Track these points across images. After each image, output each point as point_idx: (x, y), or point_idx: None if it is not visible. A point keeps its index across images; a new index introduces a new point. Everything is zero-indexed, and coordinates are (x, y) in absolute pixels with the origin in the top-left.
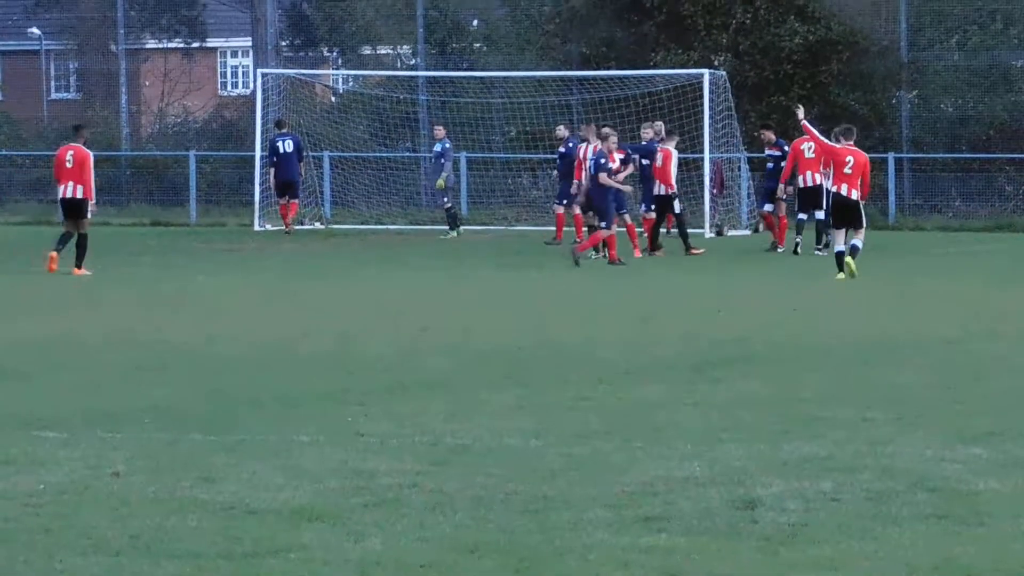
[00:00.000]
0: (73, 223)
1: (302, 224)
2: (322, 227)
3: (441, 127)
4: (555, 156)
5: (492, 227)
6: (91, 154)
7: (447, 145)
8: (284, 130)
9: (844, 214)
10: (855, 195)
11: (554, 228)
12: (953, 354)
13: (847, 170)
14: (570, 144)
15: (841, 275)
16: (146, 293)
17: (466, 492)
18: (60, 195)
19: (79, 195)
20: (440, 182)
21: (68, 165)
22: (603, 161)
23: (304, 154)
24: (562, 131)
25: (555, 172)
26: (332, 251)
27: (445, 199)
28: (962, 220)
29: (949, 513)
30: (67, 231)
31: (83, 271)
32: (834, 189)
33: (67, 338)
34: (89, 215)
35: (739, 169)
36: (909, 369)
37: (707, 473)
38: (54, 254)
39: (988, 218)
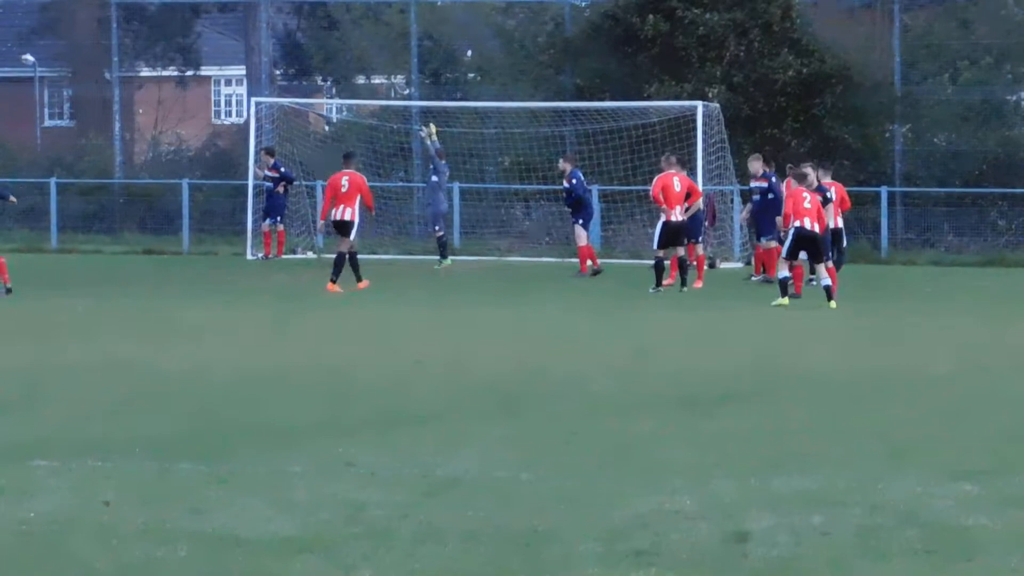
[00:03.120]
0: (340, 241)
1: (294, 253)
2: (314, 257)
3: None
4: (560, 188)
5: (484, 257)
6: (365, 178)
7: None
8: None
9: (806, 246)
10: (816, 227)
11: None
12: (944, 389)
13: (807, 204)
14: (574, 181)
15: (784, 301)
16: (138, 321)
17: (457, 524)
18: (333, 217)
19: (347, 217)
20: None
21: (343, 190)
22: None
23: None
24: (564, 164)
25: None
26: (324, 281)
27: (437, 227)
28: (954, 254)
29: (938, 549)
30: (340, 252)
31: (336, 288)
32: (797, 223)
33: (58, 366)
34: (353, 235)
35: (732, 201)
36: (900, 404)
37: (698, 507)
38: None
39: (980, 253)
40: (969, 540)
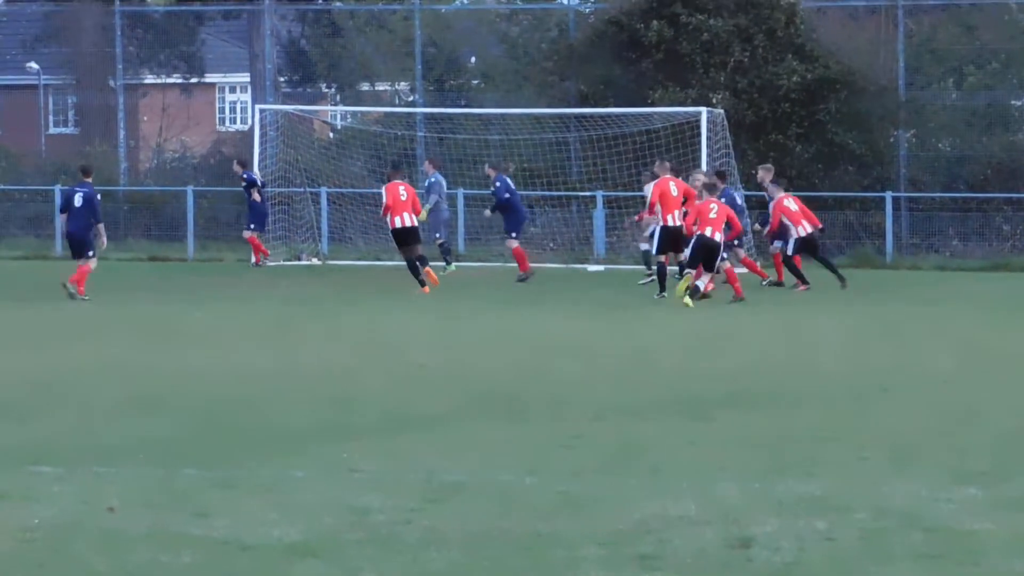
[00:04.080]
0: (409, 248)
1: (299, 260)
2: (319, 263)
3: (428, 161)
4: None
5: (489, 263)
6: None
7: (434, 180)
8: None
9: (705, 254)
10: (719, 237)
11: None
12: (949, 393)
13: (712, 215)
14: (497, 184)
15: (687, 301)
16: (143, 328)
17: (460, 529)
18: (399, 225)
19: (413, 223)
20: (423, 215)
21: (403, 198)
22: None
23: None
24: (489, 171)
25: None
26: (329, 287)
27: (437, 235)
28: (959, 259)
29: (943, 553)
30: (408, 258)
31: (427, 289)
32: (699, 232)
33: (63, 372)
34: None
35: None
36: (904, 408)
37: (702, 511)
38: (425, 289)
39: (985, 257)
40: (973, 544)
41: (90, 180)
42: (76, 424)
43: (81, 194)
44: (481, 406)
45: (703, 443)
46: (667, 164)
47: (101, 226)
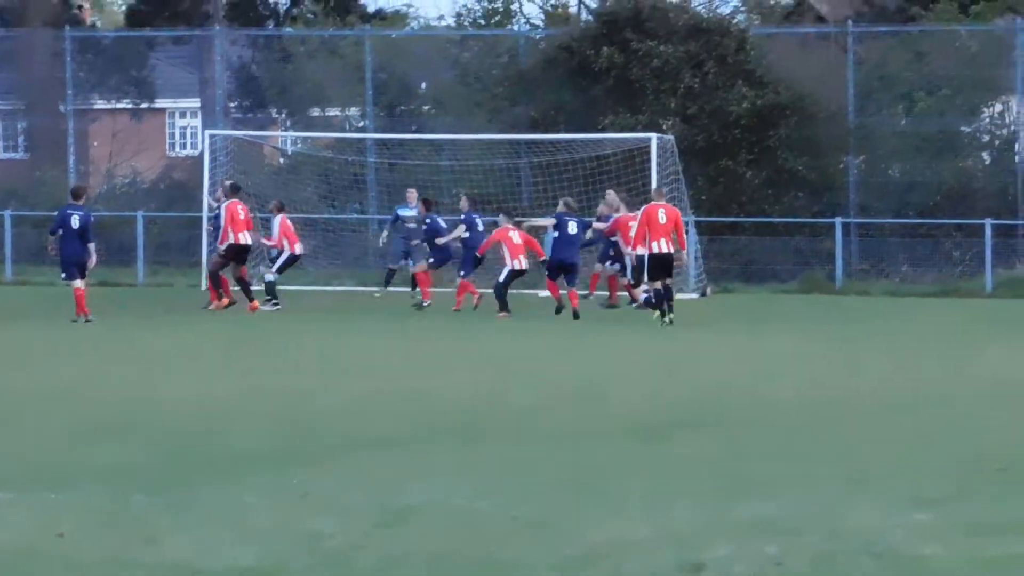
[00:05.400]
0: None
1: (250, 283)
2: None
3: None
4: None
5: (439, 289)
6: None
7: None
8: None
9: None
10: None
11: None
12: (901, 418)
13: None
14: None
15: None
16: (94, 352)
17: (415, 553)
18: (235, 241)
19: (248, 241)
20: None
21: (240, 217)
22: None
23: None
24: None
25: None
26: (280, 312)
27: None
28: (909, 285)
29: None
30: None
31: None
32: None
33: (14, 396)
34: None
35: (687, 233)
36: (857, 432)
37: (655, 536)
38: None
39: (935, 283)
40: (925, 569)
41: (82, 202)
42: (27, 449)
43: (78, 216)
44: (436, 430)
45: (657, 467)
46: (664, 190)
47: (92, 246)
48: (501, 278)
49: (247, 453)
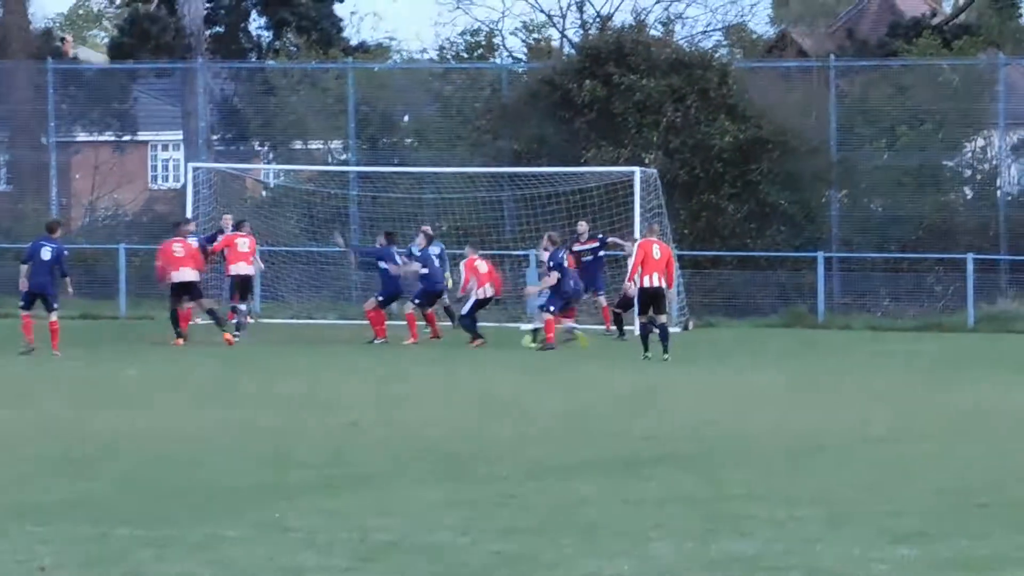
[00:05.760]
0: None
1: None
2: (251, 321)
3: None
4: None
5: (421, 323)
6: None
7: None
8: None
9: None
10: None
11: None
12: (882, 453)
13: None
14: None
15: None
16: (75, 386)
17: None
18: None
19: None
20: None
21: (177, 254)
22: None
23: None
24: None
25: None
26: (262, 345)
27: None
28: (891, 319)
29: None
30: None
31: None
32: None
33: None
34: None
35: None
36: (838, 467)
37: (636, 571)
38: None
39: (917, 317)
40: None
41: (57, 236)
42: (9, 482)
43: (50, 249)
44: (415, 464)
45: (637, 502)
46: (656, 227)
47: (68, 280)
48: (465, 309)
49: (228, 488)
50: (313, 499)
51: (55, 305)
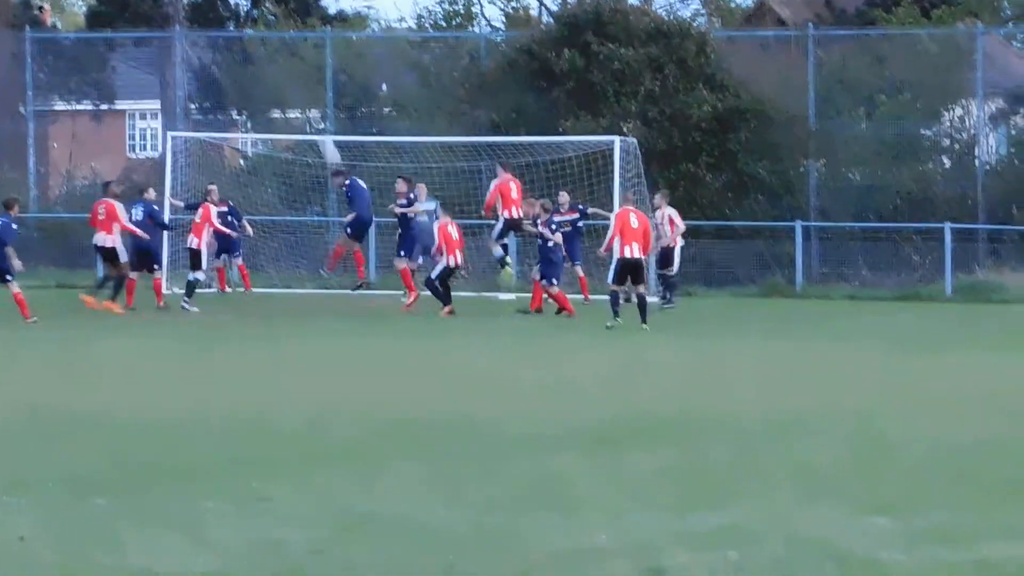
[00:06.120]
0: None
1: (209, 287)
2: (230, 291)
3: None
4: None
5: (398, 291)
6: None
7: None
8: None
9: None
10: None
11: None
12: (859, 424)
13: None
14: (411, 196)
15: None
16: (52, 357)
17: (374, 561)
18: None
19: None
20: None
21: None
22: None
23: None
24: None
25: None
26: (241, 316)
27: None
28: (869, 289)
29: None
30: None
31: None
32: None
33: None
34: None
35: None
36: (815, 439)
37: (614, 544)
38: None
39: (895, 287)
40: (884, 574)
41: (14, 213)
42: None
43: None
44: (395, 438)
45: (616, 475)
46: (630, 195)
47: (11, 250)
48: (434, 273)
49: (206, 460)
50: (291, 472)
51: (8, 277)
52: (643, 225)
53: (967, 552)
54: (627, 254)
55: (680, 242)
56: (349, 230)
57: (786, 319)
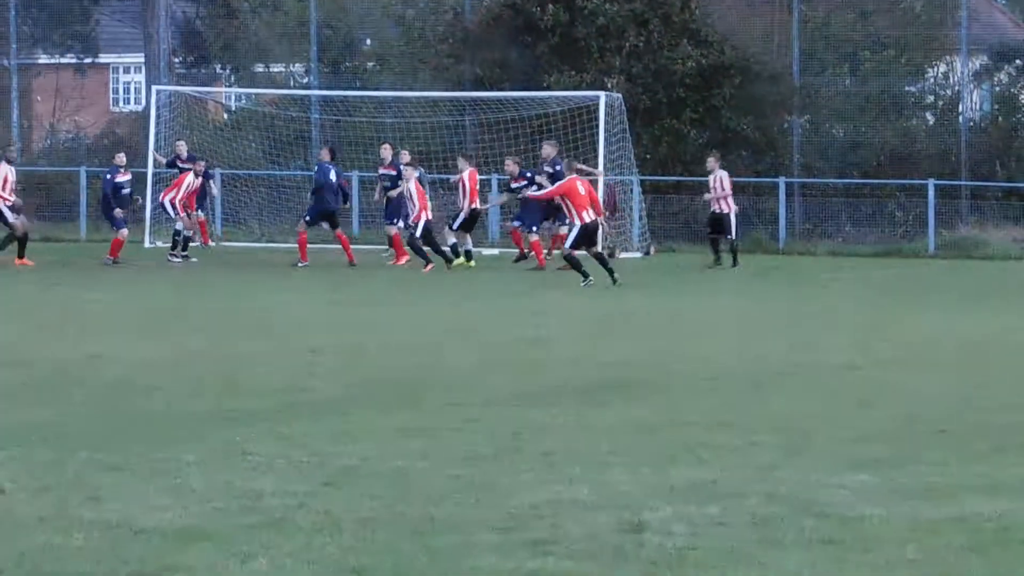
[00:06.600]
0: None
1: (192, 241)
2: (212, 245)
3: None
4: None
5: (381, 246)
6: None
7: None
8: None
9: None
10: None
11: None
12: (841, 380)
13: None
14: (396, 163)
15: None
16: (33, 310)
17: (353, 514)
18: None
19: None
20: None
21: None
22: None
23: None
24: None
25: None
26: (222, 270)
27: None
28: (852, 245)
29: (836, 539)
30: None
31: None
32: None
33: None
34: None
35: (631, 192)
36: (797, 394)
37: (594, 497)
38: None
39: (878, 243)
40: (866, 530)
41: None
42: None
43: None
44: (374, 391)
45: (595, 429)
46: (575, 163)
47: None
48: (418, 232)
49: (186, 413)
50: (271, 425)
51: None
52: (588, 190)
53: (949, 507)
54: (587, 219)
55: (734, 207)
56: (308, 217)
57: (768, 275)
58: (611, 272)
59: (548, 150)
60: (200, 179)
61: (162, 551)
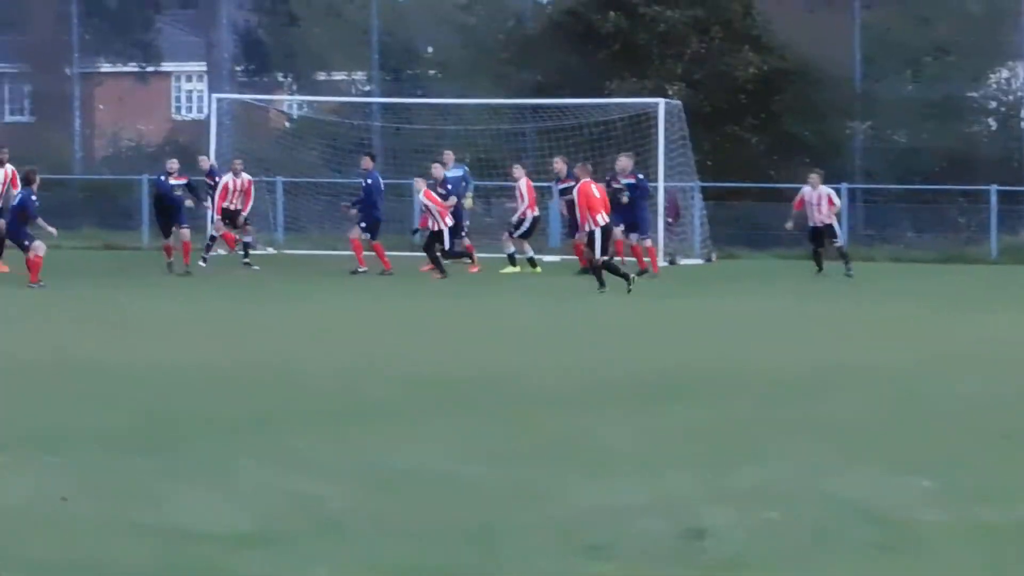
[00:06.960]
0: None
1: (255, 249)
2: (274, 252)
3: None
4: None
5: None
6: None
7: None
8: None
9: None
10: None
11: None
12: (900, 384)
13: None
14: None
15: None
16: (93, 316)
17: (411, 518)
18: None
19: None
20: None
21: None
22: None
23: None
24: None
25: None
26: (282, 276)
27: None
28: (914, 251)
29: (893, 544)
30: None
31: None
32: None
33: (11, 360)
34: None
35: (692, 198)
36: (855, 398)
37: (651, 501)
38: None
39: (939, 249)
40: (924, 535)
41: (32, 187)
42: (26, 412)
43: (19, 196)
44: (429, 394)
45: (651, 432)
46: (589, 167)
47: (40, 220)
48: (447, 245)
49: (244, 418)
50: (329, 429)
51: (26, 243)
52: (602, 193)
53: (1008, 512)
54: (601, 222)
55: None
56: (363, 225)
57: (828, 279)
58: (602, 283)
59: (624, 162)
60: (243, 179)
61: (221, 557)
